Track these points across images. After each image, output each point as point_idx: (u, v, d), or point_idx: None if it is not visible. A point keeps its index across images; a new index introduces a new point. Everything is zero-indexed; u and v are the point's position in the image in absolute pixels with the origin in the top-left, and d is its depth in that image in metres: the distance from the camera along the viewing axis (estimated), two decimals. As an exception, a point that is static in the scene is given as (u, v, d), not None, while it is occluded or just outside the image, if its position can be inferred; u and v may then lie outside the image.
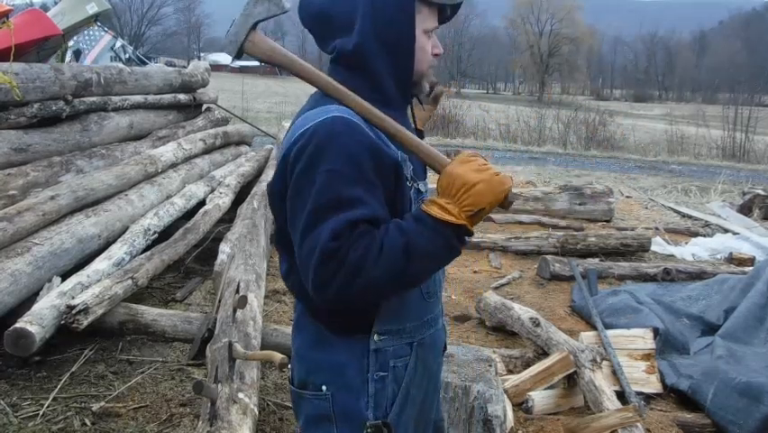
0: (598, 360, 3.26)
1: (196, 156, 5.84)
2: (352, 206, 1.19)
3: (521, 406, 3.11)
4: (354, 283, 1.16)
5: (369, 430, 1.32)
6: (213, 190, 5.46)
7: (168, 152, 5.24)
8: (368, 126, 1.27)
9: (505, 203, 1.19)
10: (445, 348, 1.55)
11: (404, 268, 1.18)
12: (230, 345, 2.59)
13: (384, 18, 1.31)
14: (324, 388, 1.35)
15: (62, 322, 3.02)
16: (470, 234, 1.21)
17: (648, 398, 3.38)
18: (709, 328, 4.14)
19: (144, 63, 13.34)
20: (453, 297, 4.72)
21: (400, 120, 1.35)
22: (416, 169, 1.37)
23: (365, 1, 1.30)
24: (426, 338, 1.41)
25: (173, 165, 5.26)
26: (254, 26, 1.29)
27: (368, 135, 1.26)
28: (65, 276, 3.38)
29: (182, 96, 6.43)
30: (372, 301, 1.28)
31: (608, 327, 3.92)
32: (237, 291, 3.48)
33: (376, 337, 1.33)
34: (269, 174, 6.00)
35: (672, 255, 6.36)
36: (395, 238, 1.18)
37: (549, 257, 5.38)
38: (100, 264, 3.53)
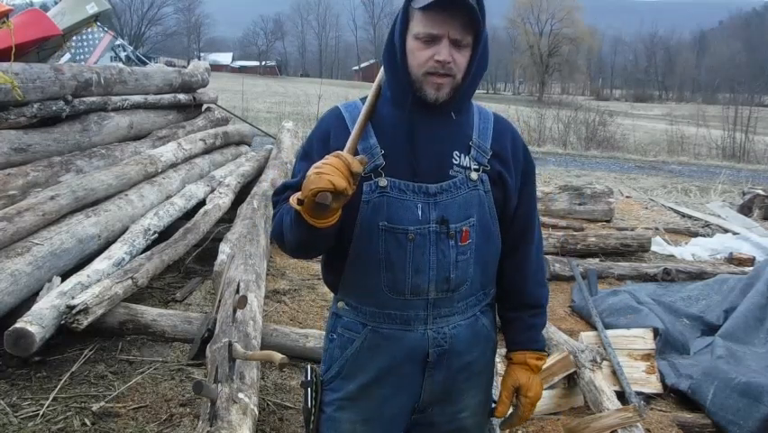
0: (599, 360, 3.26)
1: (196, 156, 5.84)
2: (293, 174, 1.53)
3: (521, 406, 3.10)
4: (272, 231, 1.51)
5: (309, 374, 1.55)
6: (213, 190, 5.46)
7: (168, 151, 5.24)
8: (349, 117, 1.48)
9: (314, 200, 1.25)
10: (434, 363, 1.50)
11: (282, 232, 1.44)
12: (230, 345, 2.59)
13: (391, 26, 1.48)
14: None
15: (62, 322, 3.02)
16: (305, 219, 1.31)
17: (648, 398, 3.38)
18: (709, 328, 4.14)
19: (144, 63, 13.34)
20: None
21: (405, 121, 1.45)
22: (394, 166, 1.44)
23: None
24: (386, 331, 1.49)
25: (173, 165, 5.26)
26: None
27: (330, 123, 1.51)
28: (65, 276, 3.38)
29: (182, 96, 6.43)
30: (289, 251, 1.47)
31: (608, 327, 3.92)
32: (237, 291, 3.48)
33: (340, 304, 1.54)
34: (269, 174, 6.00)
35: (672, 255, 6.36)
36: (282, 208, 1.46)
37: (549, 257, 5.38)
38: (100, 264, 3.53)
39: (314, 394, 1.55)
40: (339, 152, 1.31)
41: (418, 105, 1.44)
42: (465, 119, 1.50)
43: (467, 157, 1.47)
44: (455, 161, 1.46)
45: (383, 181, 1.43)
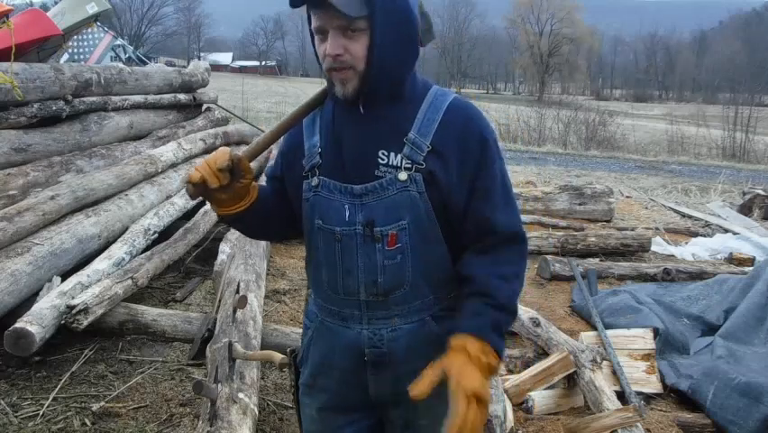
0: (599, 360, 3.26)
1: (196, 156, 5.84)
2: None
3: (521, 406, 3.11)
4: None
5: (289, 357, 1.63)
6: (213, 190, 5.45)
7: (168, 151, 5.24)
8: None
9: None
10: (374, 363, 1.44)
11: None
12: (230, 345, 2.59)
13: None
14: None
15: (62, 322, 3.02)
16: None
17: (648, 398, 3.38)
18: (709, 328, 4.14)
19: (144, 63, 13.35)
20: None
21: (336, 119, 1.42)
22: (328, 166, 1.41)
23: None
24: (329, 324, 1.49)
25: (173, 165, 5.26)
26: None
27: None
28: (65, 276, 3.38)
29: (182, 96, 6.43)
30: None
31: (608, 327, 3.92)
32: (237, 291, 3.48)
33: (308, 291, 1.58)
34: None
35: (672, 255, 6.36)
36: None
37: (549, 257, 5.38)
38: (100, 264, 3.53)
39: (293, 376, 1.61)
40: (222, 148, 1.40)
41: (341, 103, 1.38)
42: (404, 113, 1.37)
43: (398, 156, 1.35)
44: (382, 161, 1.36)
45: (315, 181, 1.42)
